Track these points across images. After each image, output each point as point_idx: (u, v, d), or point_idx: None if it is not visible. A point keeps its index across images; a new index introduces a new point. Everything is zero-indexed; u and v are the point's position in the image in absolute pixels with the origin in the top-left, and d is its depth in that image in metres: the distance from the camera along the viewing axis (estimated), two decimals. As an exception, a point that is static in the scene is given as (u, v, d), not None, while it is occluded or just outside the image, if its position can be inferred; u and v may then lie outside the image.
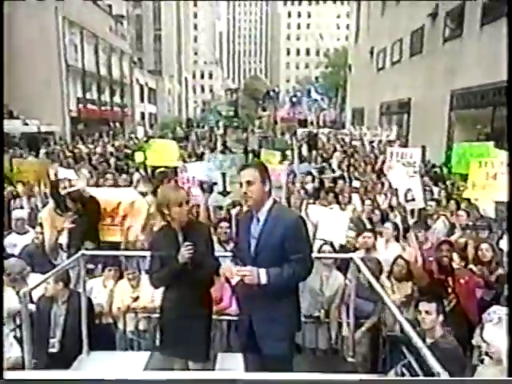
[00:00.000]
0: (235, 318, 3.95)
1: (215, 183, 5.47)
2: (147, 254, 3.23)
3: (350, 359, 3.58)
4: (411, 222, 5.47)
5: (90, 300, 3.85)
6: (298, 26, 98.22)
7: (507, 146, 5.29)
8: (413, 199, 5.59)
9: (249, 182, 2.49)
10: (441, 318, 2.96)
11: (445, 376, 1.80)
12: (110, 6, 46.67)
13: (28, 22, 24.26)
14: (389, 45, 21.27)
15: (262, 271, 2.41)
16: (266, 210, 2.53)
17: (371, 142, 15.87)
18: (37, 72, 24.68)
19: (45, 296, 3.87)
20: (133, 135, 27.55)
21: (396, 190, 6.07)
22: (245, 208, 3.07)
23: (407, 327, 2.29)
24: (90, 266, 4.11)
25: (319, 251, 4.27)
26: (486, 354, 2.86)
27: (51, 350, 3.70)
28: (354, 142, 17.11)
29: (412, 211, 5.68)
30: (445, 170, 10.51)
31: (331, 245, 4.48)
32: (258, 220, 2.54)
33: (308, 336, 4.08)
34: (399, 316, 2.50)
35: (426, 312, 2.95)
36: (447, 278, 3.81)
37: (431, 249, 4.55)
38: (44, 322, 3.74)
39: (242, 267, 2.45)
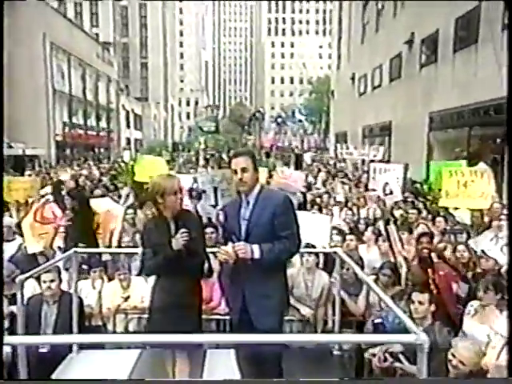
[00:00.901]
0: (224, 318, 4.05)
1: (204, 191, 5.62)
2: (139, 250, 3.31)
3: (336, 352, 3.67)
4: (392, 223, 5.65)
5: (81, 300, 3.89)
6: (282, 56, 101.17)
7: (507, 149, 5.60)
8: (391, 192, 5.81)
9: (243, 169, 2.67)
10: (432, 307, 3.08)
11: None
12: (97, 34, 47.59)
13: (16, 46, 24.52)
14: (369, 71, 22.14)
15: (255, 246, 2.57)
16: (255, 194, 2.70)
17: (354, 164, 16.26)
18: (23, 96, 24.76)
19: (35, 296, 3.90)
20: (119, 159, 27.58)
21: (381, 200, 6.32)
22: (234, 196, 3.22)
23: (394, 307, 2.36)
24: (84, 267, 4.16)
25: (302, 255, 4.36)
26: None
27: (41, 350, 3.70)
28: (338, 165, 17.52)
29: (394, 217, 5.89)
30: (425, 187, 10.90)
31: (313, 247, 4.58)
32: (248, 203, 2.70)
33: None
34: (387, 300, 2.59)
35: (419, 302, 3.06)
36: (427, 269, 3.97)
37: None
38: (34, 323, 3.76)
39: (236, 243, 2.59)
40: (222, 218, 2.77)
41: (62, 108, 30.74)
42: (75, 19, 46.72)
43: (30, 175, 14.95)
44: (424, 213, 7.05)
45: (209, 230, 4.70)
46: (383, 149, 15.05)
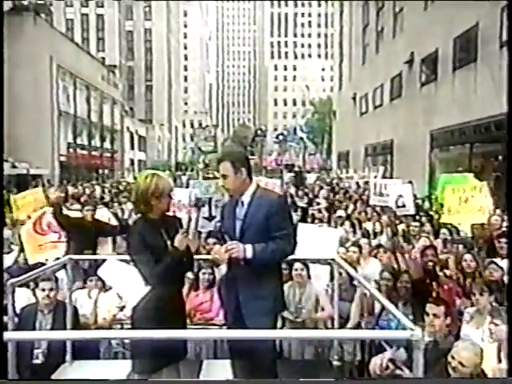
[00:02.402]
0: (222, 328, 3.98)
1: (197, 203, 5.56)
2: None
3: (335, 363, 3.58)
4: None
5: (75, 309, 3.84)
6: (285, 78, 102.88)
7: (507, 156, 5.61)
8: (403, 205, 5.77)
9: (223, 176, 2.67)
10: (448, 320, 2.99)
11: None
12: (103, 58, 48.73)
13: (23, 69, 25.10)
14: (370, 91, 22.42)
15: (248, 246, 2.53)
16: (249, 194, 2.68)
17: (357, 183, 16.30)
18: (28, 116, 25.18)
19: (29, 306, 3.85)
20: (122, 179, 27.74)
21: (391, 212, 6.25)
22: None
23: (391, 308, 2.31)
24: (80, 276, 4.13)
25: (295, 269, 4.20)
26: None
27: (35, 362, 3.62)
28: (340, 184, 17.55)
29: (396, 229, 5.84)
30: (426, 203, 10.91)
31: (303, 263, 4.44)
32: (243, 203, 2.68)
33: (294, 347, 4.08)
34: (384, 301, 2.54)
35: (434, 315, 2.97)
36: (432, 282, 3.91)
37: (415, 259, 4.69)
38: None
39: (229, 242, 2.56)
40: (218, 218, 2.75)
41: (66, 129, 31.18)
42: (82, 44, 48.02)
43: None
44: (427, 226, 7.01)
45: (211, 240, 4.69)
46: (382, 169, 15.14)
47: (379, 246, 5.28)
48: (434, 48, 14.75)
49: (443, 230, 5.93)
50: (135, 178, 15.18)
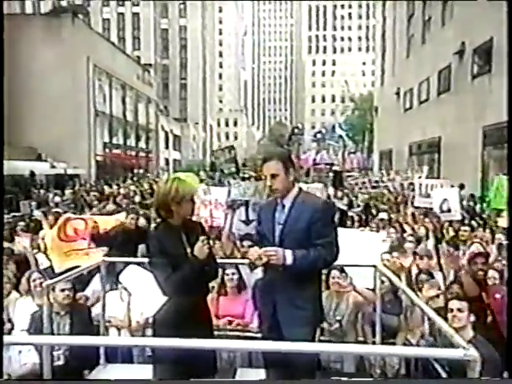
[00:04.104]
0: (256, 335, 3.95)
1: (233, 205, 5.57)
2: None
3: (377, 377, 3.46)
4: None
5: (89, 310, 3.96)
6: (323, 74, 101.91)
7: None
8: (448, 210, 5.52)
9: (273, 175, 2.59)
10: (472, 317, 2.91)
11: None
12: (138, 57, 50.14)
13: (60, 69, 26.27)
14: (415, 85, 21.74)
15: (288, 252, 2.47)
16: (291, 197, 2.62)
17: (401, 185, 15.83)
18: (66, 117, 26.33)
19: (37, 312, 3.89)
20: (157, 179, 28.39)
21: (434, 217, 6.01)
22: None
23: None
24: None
25: (333, 277, 4.11)
26: None
27: (57, 363, 3.66)
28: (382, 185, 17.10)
29: (442, 233, 5.61)
30: (478, 206, 10.45)
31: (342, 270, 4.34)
32: (284, 206, 2.62)
33: (333, 358, 3.99)
34: (430, 312, 2.42)
35: (458, 310, 2.92)
36: (481, 292, 3.72)
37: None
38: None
39: (268, 247, 2.50)
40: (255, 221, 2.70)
41: (102, 128, 32.33)
42: (118, 43, 49.64)
43: (72, 193, 15.64)
44: (480, 231, 6.69)
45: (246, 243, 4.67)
46: (426, 169, 14.64)
47: (425, 251, 5.06)
48: (489, 37, 14.06)
49: (498, 235, 5.62)
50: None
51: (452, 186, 7.96)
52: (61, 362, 3.68)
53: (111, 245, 5.09)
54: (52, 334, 3.68)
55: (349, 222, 7.45)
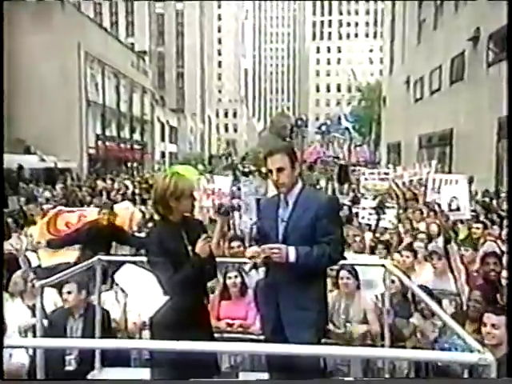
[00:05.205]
0: (259, 337, 3.97)
1: (237, 208, 5.54)
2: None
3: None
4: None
5: (107, 313, 3.91)
6: (328, 62, 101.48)
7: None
8: (457, 208, 5.52)
9: (279, 169, 2.60)
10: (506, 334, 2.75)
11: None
12: (132, 44, 49.94)
13: (50, 56, 26.16)
14: (426, 73, 21.67)
15: (291, 248, 2.48)
16: (295, 194, 2.63)
17: (411, 181, 15.79)
18: (56, 107, 26.26)
19: (60, 309, 3.96)
20: (154, 173, 28.41)
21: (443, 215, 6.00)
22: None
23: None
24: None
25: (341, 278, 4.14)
26: None
27: (68, 368, 3.67)
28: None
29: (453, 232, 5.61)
30: (494, 202, 10.44)
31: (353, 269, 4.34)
32: (287, 203, 2.63)
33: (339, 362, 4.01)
34: (444, 316, 2.41)
35: (493, 326, 2.81)
36: (495, 293, 3.72)
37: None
38: (59, 337, 3.78)
39: (271, 244, 2.51)
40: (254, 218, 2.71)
41: (95, 120, 32.29)
42: (111, 29, 49.46)
43: (64, 188, 15.69)
44: (495, 229, 6.67)
45: (235, 243, 4.69)
46: (435, 163, 14.63)
47: (434, 251, 5.07)
48: (505, 22, 13.98)
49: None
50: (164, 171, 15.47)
51: (469, 182, 7.85)
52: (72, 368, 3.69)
53: (83, 242, 5.07)
54: (64, 337, 3.71)
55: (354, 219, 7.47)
